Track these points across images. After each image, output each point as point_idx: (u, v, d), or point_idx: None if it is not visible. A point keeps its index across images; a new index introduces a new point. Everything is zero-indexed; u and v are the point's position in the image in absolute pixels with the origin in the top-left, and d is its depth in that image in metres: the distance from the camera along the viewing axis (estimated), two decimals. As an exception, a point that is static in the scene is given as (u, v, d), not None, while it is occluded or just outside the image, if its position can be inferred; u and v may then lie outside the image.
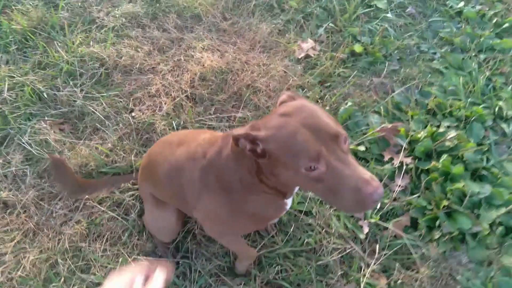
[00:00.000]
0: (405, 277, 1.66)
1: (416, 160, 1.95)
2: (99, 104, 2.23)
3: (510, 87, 2.25)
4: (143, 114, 2.19)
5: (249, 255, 1.63)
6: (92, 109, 2.21)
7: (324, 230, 1.77)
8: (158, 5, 2.78)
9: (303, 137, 0.95)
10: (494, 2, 2.72)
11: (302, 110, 1.00)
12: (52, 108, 2.22)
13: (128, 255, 1.75)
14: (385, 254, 1.69)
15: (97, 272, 1.71)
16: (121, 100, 2.26)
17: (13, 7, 2.67)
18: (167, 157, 1.44)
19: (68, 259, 1.73)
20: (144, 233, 1.84)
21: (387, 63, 2.47)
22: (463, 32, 2.55)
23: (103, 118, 2.18)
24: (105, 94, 2.27)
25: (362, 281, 1.62)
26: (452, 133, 2.00)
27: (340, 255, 1.71)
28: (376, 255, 1.69)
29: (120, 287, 0.73)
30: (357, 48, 2.49)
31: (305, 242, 1.75)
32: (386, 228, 1.78)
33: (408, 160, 1.96)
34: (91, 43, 2.50)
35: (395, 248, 1.71)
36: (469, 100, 2.18)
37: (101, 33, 2.58)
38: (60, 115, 2.21)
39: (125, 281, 0.74)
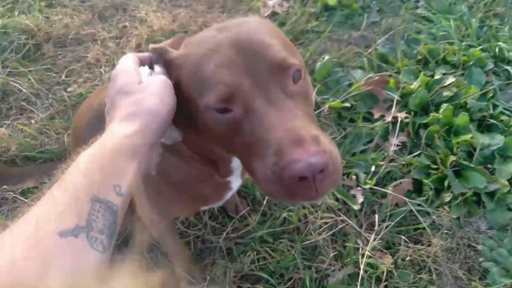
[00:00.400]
0: (414, 252, 1.32)
1: (412, 114, 1.62)
2: (26, 81, 1.82)
3: (507, 27, 1.96)
4: (80, 87, 1.80)
5: (181, 254, 1.27)
6: (18, 86, 1.80)
7: (304, 206, 1.42)
8: (99, -30, 2.39)
9: (218, 60, 0.63)
10: None
11: (244, 24, 0.70)
12: (-33, 90, 1.80)
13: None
14: (386, 227, 1.35)
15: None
16: (54, 74, 1.86)
17: None
18: (87, 109, 1.10)
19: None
20: (83, 229, 1.44)
21: (365, 15, 2.15)
22: (447, -24, 2.26)
23: (32, 96, 1.78)
24: (33, 69, 1.87)
25: (362, 262, 1.27)
26: (450, 80, 1.69)
27: (330, 233, 1.35)
28: (376, 228, 1.35)
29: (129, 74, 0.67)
30: (331, 0, 2.16)
31: (285, 220, 1.39)
32: (384, 196, 1.45)
33: (402, 115, 1.63)
34: (16, 14, 2.09)
35: (398, 218, 1.37)
36: (463, 43, 1.88)
37: (29, 2, 2.17)
38: (-23, 97, 1.79)
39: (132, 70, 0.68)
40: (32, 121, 1.68)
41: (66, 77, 1.85)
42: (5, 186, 1.45)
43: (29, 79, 1.82)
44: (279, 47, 0.65)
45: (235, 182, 0.97)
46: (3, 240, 0.47)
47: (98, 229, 0.53)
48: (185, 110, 0.69)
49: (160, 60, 0.72)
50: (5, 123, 1.68)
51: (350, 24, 2.14)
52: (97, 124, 1.05)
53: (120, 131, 0.59)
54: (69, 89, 1.81)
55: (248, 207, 1.45)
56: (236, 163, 0.86)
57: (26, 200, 1.46)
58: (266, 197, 1.43)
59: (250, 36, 0.66)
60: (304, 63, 0.74)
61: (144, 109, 0.61)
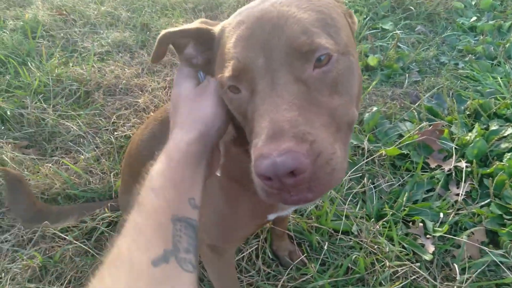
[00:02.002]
0: (502, 310, 1.15)
1: (474, 164, 1.54)
2: (74, 124, 1.83)
3: (556, 86, 1.95)
4: (127, 131, 1.80)
5: None
6: (66, 128, 1.81)
7: (372, 252, 1.29)
8: (148, 32, 2.55)
9: (240, 34, 0.59)
10: (508, 14, 2.56)
11: (274, 5, 0.60)
12: (16, 130, 1.81)
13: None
14: (466, 280, 1.19)
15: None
16: (102, 119, 1.88)
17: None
18: (146, 129, 1.08)
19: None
20: (123, 273, 1.32)
21: (406, 74, 2.19)
22: (484, 42, 2.33)
23: (79, 138, 1.78)
24: (82, 113, 1.89)
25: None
26: (509, 131, 1.63)
27: (401, 285, 1.20)
28: (457, 282, 1.19)
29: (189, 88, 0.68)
30: (372, 60, 2.22)
31: (349, 269, 1.25)
32: (457, 246, 1.31)
33: (463, 164, 1.55)
34: (71, 65, 2.19)
35: (479, 270, 1.22)
36: (515, 98, 1.85)
37: (83, 56, 2.28)
38: (25, 137, 1.80)
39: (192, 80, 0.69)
40: (80, 160, 1.65)
41: (113, 123, 1.87)
42: (46, 222, 1.36)
43: (78, 123, 1.84)
44: (306, 24, 0.55)
45: None
46: (104, 283, 0.46)
47: (184, 249, 0.52)
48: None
49: (205, 42, 0.69)
50: (52, 159, 1.65)
51: (392, 83, 2.17)
52: (159, 133, 1.01)
53: (182, 138, 0.60)
54: (116, 133, 1.80)
55: (305, 255, 1.32)
56: None
57: (66, 238, 1.36)
58: (327, 243, 1.31)
59: (279, 8, 0.57)
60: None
61: (202, 114, 0.62)
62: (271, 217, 0.91)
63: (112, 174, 1.58)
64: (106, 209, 1.45)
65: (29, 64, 2.16)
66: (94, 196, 1.55)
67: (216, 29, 0.68)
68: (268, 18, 0.57)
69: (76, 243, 1.34)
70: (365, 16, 2.62)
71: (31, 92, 1.98)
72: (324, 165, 0.48)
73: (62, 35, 2.50)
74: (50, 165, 1.60)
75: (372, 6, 2.76)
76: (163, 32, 0.68)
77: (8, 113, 1.83)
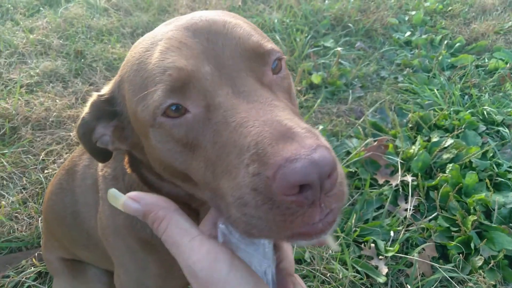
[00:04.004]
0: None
1: (420, 177, 1.55)
2: (-2, 165, 1.65)
3: (486, 94, 2.04)
4: (58, 168, 1.64)
5: None
6: (-13, 171, 1.62)
7: (325, 281, 1.23)
8: (83, 60, 2.41)
9: (165, 46, 0.48)
10: (438, 29, 2.69)
11: (200, 12, 0.53)
12: None
13: None
14: (420, 299, 1.16)
15: None
16: (31, 157, 1.71)
17: None
18: (55, 180, 0.98)
19: None
20: (54, 333, 1.16)
21: (350, 90, 2.21)
22: (419, 55, 2.42)
23: (2, 180, 1.60)
24: (7, 152, 1.72)
25: None
26: (449, 142, 1.67)
27: (358, 313, 1.15)
28: (410, 302, 1.16)
29: None
30: (315, 78, 2.23)
31: (304, 301, 1.18)
32: (409, 265, 1.28)
33: (409, 178, 1.56)
34: (-6, 99, 2.00)
35: (433, 287, 1.19)
36: (452, 109, 1.91)
37: (9, 90, 2.10)
38: None
39: None
40: (3, 206, 1.47)
41: (42, 160, 1.70)
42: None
43: (1, 162, 1.66)
44: (248, 29, 0.50)
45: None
46: None
47: None
48: (137, 143, 0.57)
49: (104, 113, 0.58)
50: (-32, 208, 1.46)
51: (336, 99, 2.18)
52: (66, 184, 0.91)
53: None
54: (46, 171, 1.64)
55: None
56: None
57: (-16, 299, 1.19)
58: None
59: (210, 17, 0.50)
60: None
61: None
62: None
63: (40, 218, 1.42)
64: (33, 260, 1.29)
65: None
66: (20, 245, 1.38)
67: (107, 87, 0.59)
68: (200, 27, 0.49)
69: (-4, 305, 1.17)
70: (306, 35, 2.64)
71: None
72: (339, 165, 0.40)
73: (-16, 66, 2.29)
74: (-34, 215, 1.41)
75: (312, 24, 2.81)
76: (76, 133, 0.59)
77: None
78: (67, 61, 2.39)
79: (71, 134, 1.80)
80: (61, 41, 2.57)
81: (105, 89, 0.59)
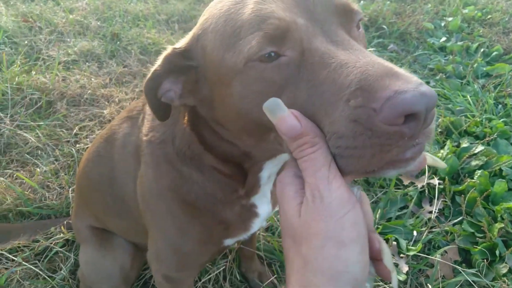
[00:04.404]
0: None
1: (446, 181, 1.53)
2: (33, 135, 1.72)
3: (522, 106, 1.99)
4: (90, 143, 1.69)
5: None
6: (24, 140, 1.69)
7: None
8: (118, 42, 2.47)
9: (255, 2, 0.49)
10: (475, 36, 2.64)
11: None
12: (-33, 142, 1.68)
13: (47, 331, 1.10)
14: (439, 301, 1.15)
15: None
16: (64, 131, 1.77)
17: None
18: (92, 148, 1.01)
19: None
20: (77, 298, 1.21)
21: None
22: (453, 61, 2.38)
23: (37, 150, 1.66)
24: (42, 123, 1.78)
25: None
26: (479, 148, 1.64)
27: (375, 307, 1.15)
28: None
29: None
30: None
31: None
32: (430, 266, 1.27)
33: (436, 181, 1.54)
34: (33, 74, 2.07)
35: (452, 290, 1.18)
36: (484, 116, 1.88)
37: (47, 65, 2.17)
38: (-24, 149, 1.67)
39: None
40: (35, 173, 1.53)
41: (75, 134, 1.76)
42: (-7, 243, 1.24)
43: (37, 134, 1.72)
44: None
45: (263, 206, 0.80)
46: None
47: None
48: (208, 97, 0.58)
49: (175, 67, 0.59)
50: (5, 172, 1.52)
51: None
52: (104, 151, 0.94)
53: None
54: (78, 145, 1.70)
55: (275, 276, 1.25)
56: (266, 172, 0.71)
57: (14, 259, 1.24)
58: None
59: None
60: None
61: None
62: (228, 242, 0.83)
63: (70, 189, 1.47)
64: (62, 228, 1.34)
65: (-13, 72, 2.04)
66: (50, 213, 1.43)
67: (185, 40, 0.60)
68: None
69: (25, 265, 1.22)
70: (339, 33, 2.63)
71: (-14, 100, 1.86)
72: None
73: (26, 42, 2.38)
74: (3, 179, 1.48)
75: (346, 23, 2.79)
76: (144, 87, 0.60)
77: (-42, 123, 1.70)
78: (103, 42, 2.45)
79: (104, 111, 1.85)
80: (98, 23, 2.64)
81: (180, 43, 0.60)
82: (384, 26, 2.75)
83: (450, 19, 2.84)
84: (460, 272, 1.23)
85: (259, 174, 0.71)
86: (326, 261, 0.38)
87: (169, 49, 0.60)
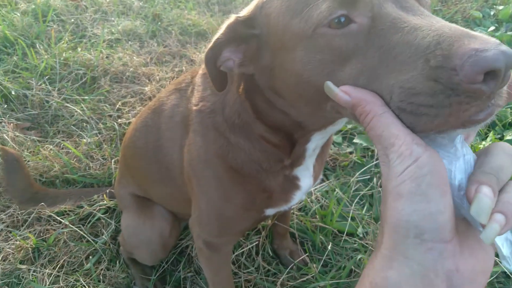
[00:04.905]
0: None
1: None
2: (79, 108, 1.80)
3: None
4: (132, 118, 1.76)
5: None
6: (70, 112, 1.77)
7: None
8: (159, 23, 2.52)
9: None
10: (527, 26, 2.51)
11: None
12: (19, 111, 1.78)
13: (89, 288, 1.17)
14: None
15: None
16: (107, 105, 1.84)
17: (-3, 15, 2.39)
18: (140, 118, 1.04)
19: (-3, 293, 1.15)
20: (117, 262, 1.28)
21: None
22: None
23: (82, 122, 1.74)
24: (87, 98, 1.86)
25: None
26: (525, 141, 1.58)
27: None
28: None
29: None
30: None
31: (352, 272, 1.20)
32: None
33: (475, 172, 1.49)
34: (79, 50, 2.16)
35: (489, 279, 1.16)
36: (532, 110, 1.80)
37: (92, 43, 2.25)
38: (28, 119, 1.77)
39: None
40: (81, 145, 1.61)
41: (118, 109, 1.83)
42: (42, 204, 1.32)
43: (82, 107, 1.80)
44: None
45: (305, 179, 0.81)
46: None
47: None
48: (269, 64, 0.58)
49: (237, 36, 0.60)
50: (53, 141, 1.61)
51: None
52: (152, 121, 0.97)
53: None
54: (120, 119, 1.77)
55: (307, 254, 1.27)
56: (313, 143, 0.72)
57: (61, 221, 1.32)
58: (330, 244, 1.26)
59: None
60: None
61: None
62: (269, 212, 0.85)
63: (113, 160, 1.54)
64: (104, 196, 1.41)
65: (37, 47, 2.14)
66: (93, 182, 1.51)
67: (248, 8, 0.61)
68: None
69: (71, 227, 1.30)
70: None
71: (37, 74, 1.96)
72: None
73: (72, 20, 2.48)
74: (51, 147, 1.57)
75: (387, 10, 2.72)
76: (204, 56, 0.61)
77: (13, 93, 1.80)
78: (145, 22, 2.51)
79: (145, 88, 1.91)
80: (140, 3, 2.70)
81: (243, 12, 0.61)
82: (428, 14, 2.66)
83: (501, 7, 2.70)
84: (498, 264, 1.21)
85: (306, 146, 0.73)
86: (387, 212, 0.40)
87: (232, 17, 0.60)
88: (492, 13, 2.72)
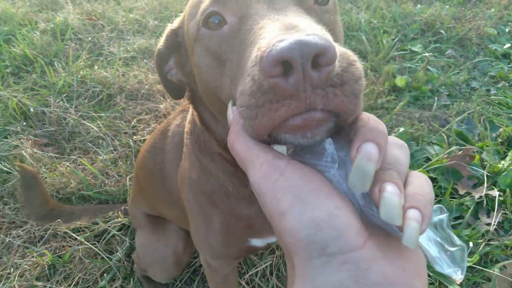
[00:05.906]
0: None
1: (508, 192, 1.45)
2: (95, 125, 1.82)
3: None
4: (147, 135, 1.78)
5: None
6: (86, 129, 1.80)
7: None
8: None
9: None
10: (544, 43, 2.49)
11: None
12: (37, 128, 1.82)
13: (103, 308, 1.17)
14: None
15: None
16: (122, 122, 1.87)
17: (18, 33, 2.46)
18: (150, 140, 1.05)
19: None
20: (131, 279, 1.27)
21: (436, 97, 2.12)
22: (518, 69, 2.25)
23: (98, 139, 1.76)
24: (103, 115, 1.89)
25: None
26: (545, 161, 1.54)
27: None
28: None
29: None
30: (400, 81, 2.17)
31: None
32: (487, 280, 1.21)
33: (495, 193, 1.46)
34: (96, 68, 2.20)
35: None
36: (552, 129, 1.76)
37: (108, 60, 2.30)
38: (45, 135, 1.80)
39: None
40: (97, 162, 1.63)
41: (133, 126, 1.85)
42: (58, 220, 1.33)
43: (98, 124, 1.83)
44: None
45: None
46: None
47: None
48: (191, 71, 0.58)
49: (174, 45, 0.60)
50: (70, 158, 1.63)
51: (419, 105, 2.11)
52: (159, 143, 0.98)
53: None
54: (135, 136, 1.78)
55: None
56: None
57: (77, 238, 1.32)
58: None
59: None
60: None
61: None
62: (256, 242, 0.79)
63: (128, 177, 1.55)
64: (119, 213, 1.41)
65: (56, 65, 2.19)
66: (108, 199, 1.51)
67: (179, 18, 0.62)
68: None
69: (86, 244, 1.30)
70: (393, 37, 2.58)
71: (55, 91, 2.00)
72: (350, 64, 0.35)
73: (89, 39, 2.54)
74: (68, 164, 1.59)
75: (401, 28, 2.73)
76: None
77: (32, 110, 1.84)
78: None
79: (160, 106, 1.93)
80: (156, 22, 2.75)
81: (175, 21, 0.62)
82: (442, 31, 2.65)
83: (515, 25, 2.69)
84: (520, 289, 1.17)
85: None
86: (281, 240, 0.34)
87: (168, 28, 0.62)
88: (507, 30, 2.71)
